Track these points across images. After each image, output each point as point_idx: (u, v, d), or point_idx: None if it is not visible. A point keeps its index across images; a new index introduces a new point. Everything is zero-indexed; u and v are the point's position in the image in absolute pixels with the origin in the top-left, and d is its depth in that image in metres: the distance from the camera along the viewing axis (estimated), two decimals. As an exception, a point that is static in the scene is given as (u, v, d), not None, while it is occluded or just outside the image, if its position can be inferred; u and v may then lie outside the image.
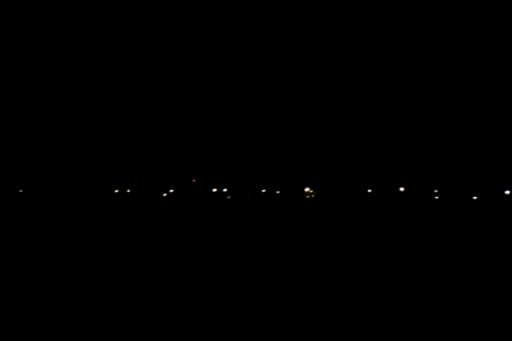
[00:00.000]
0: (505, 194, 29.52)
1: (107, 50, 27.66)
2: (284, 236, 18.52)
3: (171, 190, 32.68)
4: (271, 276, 10.94)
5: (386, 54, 27.38)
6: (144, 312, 7.83)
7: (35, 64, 27.25)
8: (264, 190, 32.00)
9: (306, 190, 30.85)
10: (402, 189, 30.37)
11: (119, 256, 13.41)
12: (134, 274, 10.84)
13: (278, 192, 31.51)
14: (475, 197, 30.35)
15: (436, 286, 9.94)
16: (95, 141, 29.84)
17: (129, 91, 28.80)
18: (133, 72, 28.16)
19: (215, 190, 32.78)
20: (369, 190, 30.69)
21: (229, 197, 32.25)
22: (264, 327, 7.25)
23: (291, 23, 26.84)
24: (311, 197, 30.84)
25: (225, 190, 32.49)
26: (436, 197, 31.45)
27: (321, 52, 27.41)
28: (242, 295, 8.99)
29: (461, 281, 10.35)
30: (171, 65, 28.33)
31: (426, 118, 29.81)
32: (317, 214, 27.47)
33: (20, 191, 28.58)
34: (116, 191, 31.64)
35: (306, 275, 11.17)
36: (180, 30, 27.70)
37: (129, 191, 32.13)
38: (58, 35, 26.56)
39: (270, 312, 8.06)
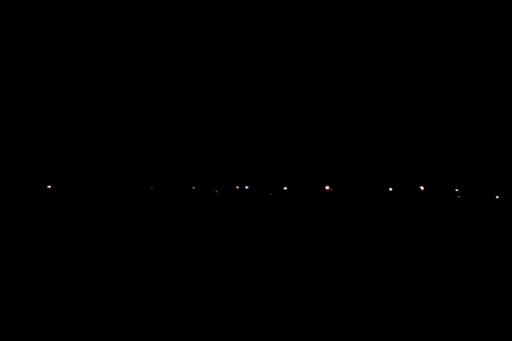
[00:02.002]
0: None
1: (107, 50, 27.79)
2: (304, 233, 18.61)
3: (193, 187, 32.91)
4: (293, 273, 11.10)
5: (397, 51, 27.25)
6: (144, 311, 8.01)
7: (35, 64, 27.45)
8: (285, 188, 32.13)
9: (327, 188, 30.89)
10: (422, 188, 30.28)
11: (133, 253, 13.62)
12: (147, 272, 11.04)
13: (298, 189, 31.59)
14: (497, 197, 30.16)
15: (456, 286, 10.03)
16: (117, 142, 30.12)
17: (137, 90, 28.98)
18: (134, 72, 28.30)
19: (237, 187, 32.94)
20: (390, 189, 30.66)
21: (250, 194, 32.42)
22: (271, 326, 7.40)
23: (291, 24, 26.78)
24: (331, 195, 30.87)
25: (246, 187, 32.65)
26: (458, 196, 31.31)
27: (333, 49, 27.36)
28: (259, 293, 9.16)
29: (480, 282, 10.42)
30: (173, 65, 28.44)
31: (449, 117, 29.69)
32: (337, 212, 27.49)
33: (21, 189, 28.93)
34: (147, 188, 31.95)
35: (327, 272, 11.31)
36: (180, 31, 27.74)
37: (152, 188, 32.40)
38: (58, 35, 26.69)
39: (285, 311, 8.23)
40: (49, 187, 30.45)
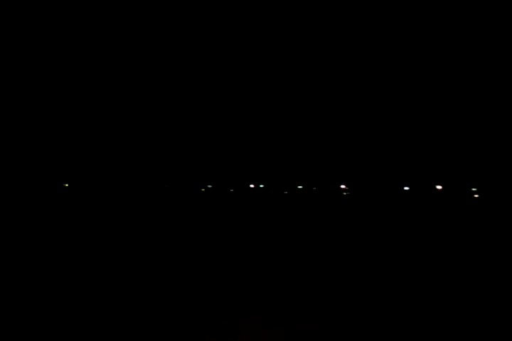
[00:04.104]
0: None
1: (107, 50, 27.81)
2: (319, 231, 18.49)
3: (209, 186, 32.93)
4: (308, 271, 11.03)
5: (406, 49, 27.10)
6: (146, 310, 7.95)
7: (35, 64, 27.50)
8: (300, 187, 32.01)
9: (342, 186, 30.73)
10: (439, 187, 30.02)
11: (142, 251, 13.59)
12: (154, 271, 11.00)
13: (314, 188, 31.47)
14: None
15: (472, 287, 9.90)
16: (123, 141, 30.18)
17: (145, 89, 29.00)
18: (136, 73, 28.33)
19: (252, 185, 32.90)
20: (406, 188, 30.42)
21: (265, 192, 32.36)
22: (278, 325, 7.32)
23: (291, 24, 26.69)
24: (346, 194, 30.71)
25: (261, 185, 32.59)
26: (476, 196, 30.99)
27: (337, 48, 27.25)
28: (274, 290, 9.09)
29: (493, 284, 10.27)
30: (184, 65, 28.45)
31: (470, 115, 29.46)
32: (352, 211, 27.35)
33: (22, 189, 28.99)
34: (162, 187, 32.01)
35: (343, 271, 11.22)
36: (180, 31, 27.70)
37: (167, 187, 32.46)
38: (58, 35, 26.73)
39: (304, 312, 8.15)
40: (66, 185, 30.64)
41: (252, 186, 32.77)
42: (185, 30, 27.78)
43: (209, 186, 33.02)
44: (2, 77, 27.22)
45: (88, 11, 26.48)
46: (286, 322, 7.82)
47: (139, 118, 29.91)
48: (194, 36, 27.64)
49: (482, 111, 29.12)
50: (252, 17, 26.55)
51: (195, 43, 28.32)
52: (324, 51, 28.70)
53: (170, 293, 9.13)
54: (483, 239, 17.80)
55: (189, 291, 9.35)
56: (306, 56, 29.03)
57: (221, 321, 7.78)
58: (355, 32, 26.77)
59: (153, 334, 7.19)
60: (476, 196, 31.23)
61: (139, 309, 8.23)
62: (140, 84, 29.26)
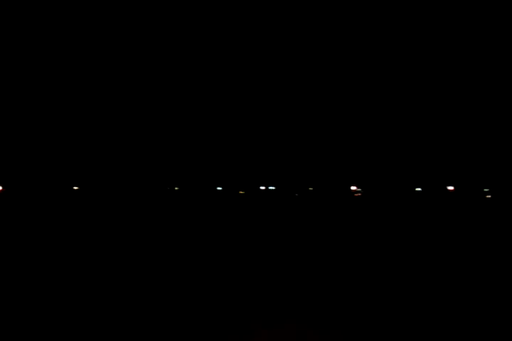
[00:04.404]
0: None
1: (107, 50, 27.81)
2: (331, 232, 18.41)
3: (219, 188, 32.88)
4: (320, 272, 10.93)
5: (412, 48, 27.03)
6: (145, 310, 7.87)
7: (35, 64, 27.53)
8: (311, 188, 31.92)
9: (353, 188, 30.62)
10: (451, 188, 29.85)
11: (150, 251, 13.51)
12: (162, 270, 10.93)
13: (325, 190, 31.38)
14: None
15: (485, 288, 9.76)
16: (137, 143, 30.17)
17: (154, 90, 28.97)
18: (140, 73, 28.31)
19: (262, 187, 32.85)
20: (418, 189, 30.28)
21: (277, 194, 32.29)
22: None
23: (291, 24, 26.67)
24: (358, 195, 30.59)
25: (272, 187, 32.53)
26: (488, 196, 30.82)
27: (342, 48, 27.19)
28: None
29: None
30: (194, 68, 28.41)
31: (483, 117, 29.28)
32: (364, 212, 27.19)
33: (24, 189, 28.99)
34: (174, 188, 31.99)
35: (354, 271, 11.11)
36: (180, 31, 27.68)
37: (177, 188, 32.45)
38: (58, 35, 26.75)
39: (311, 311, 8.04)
40: (75, 188, 30.67)
41: (262, 188, 32.70)
42: (188, 32, 27.74)
43: (219, 188, 32.97)
44: (4, 79, 27.32)
45: (88, 10, 26.52)
46: (288, 323, 7.70)
47: (152, 122, 29.88)
48: (202, 38, 27.63)
49: (495, 114, 28.93)
50: (252, 17, 26.52)
51: (201, 45, 28.30)
52: (335, 53, 28.57)
53: (172, 294, 9.05)
54: (494, 238, 17.65)
55: (192, 293, 9.26)
56: (318, 60, 28.91)
57: (223, 322, 7.67)
58: (364, 34, 26.70)
59: (153, 334, 7.09)
60: (489, 196, 31.06)
61: (140, 309, 8.15)
62: (151, 88, 29.22)
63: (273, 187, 32.68)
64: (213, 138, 31.96)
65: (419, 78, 28.84)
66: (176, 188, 32.32)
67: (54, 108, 28.06)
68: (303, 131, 31.35)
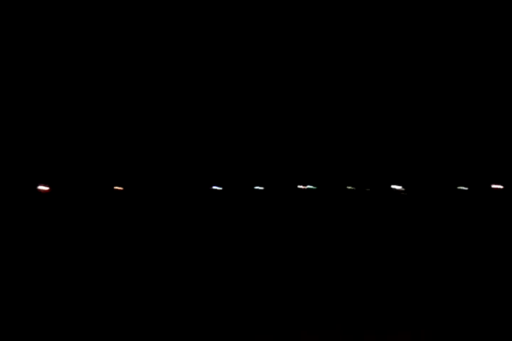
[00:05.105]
0: None
1: (107, 50, 28.85)
2: (334, 234, 18.23)
3: (218, 188, 32.85)
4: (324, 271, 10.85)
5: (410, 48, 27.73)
6: (146, 310, 7.73)
7: (35, 64, 28.46)
8: (315, 188, 31.69)
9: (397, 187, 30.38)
10: (495, 186, 29.47)
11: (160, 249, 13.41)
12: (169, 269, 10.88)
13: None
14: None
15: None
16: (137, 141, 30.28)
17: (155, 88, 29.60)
18: (139, 73, 29.20)
19: (261, 188, 32.85)
20: (463, 187, 30.03)
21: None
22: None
23: (290, 24, 27.69)
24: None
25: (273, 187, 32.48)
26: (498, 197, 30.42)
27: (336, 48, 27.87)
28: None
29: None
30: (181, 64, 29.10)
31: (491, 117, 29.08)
32: (364, 212, 27.26)
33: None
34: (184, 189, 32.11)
35: (362, 272, 11.03)
36: (179, 31, 28.81)
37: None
38: (58, 35, 27.82)
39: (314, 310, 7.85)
40: (118, 188, 30.68)
41: (261, 188, 32.66)
42: (185, 30, 28.77)
43: (217, 188, 32.99)
44: (4, 79, 28.38)
45: (88, 11, 27.74)
46: (289, 325, 7.68)
47: (151, 122, 30.19)
48: (190, 35, 28.63)
49: (495, 114, 28.77)
50: (252, 17, 27.42)
51: (200, 44, 29.12)
52: (337, 54, 28.93)
53: (172, 294, 8.84)
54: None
55: (192, 293, 9.05)
56: (318, 60, 29.25)
57: (223, 322, 7.61)
58: (351, 31, 27.38)
59: (154, 334, 6.95)
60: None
61: (142, 309, 7.97)
62: (152, 89, 29.89)
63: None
64: (213, 138, 32.07)
65: (430, 75, 28.78)
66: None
67: (58, 108, 28.78)
68: (303, 131, 31.27)
